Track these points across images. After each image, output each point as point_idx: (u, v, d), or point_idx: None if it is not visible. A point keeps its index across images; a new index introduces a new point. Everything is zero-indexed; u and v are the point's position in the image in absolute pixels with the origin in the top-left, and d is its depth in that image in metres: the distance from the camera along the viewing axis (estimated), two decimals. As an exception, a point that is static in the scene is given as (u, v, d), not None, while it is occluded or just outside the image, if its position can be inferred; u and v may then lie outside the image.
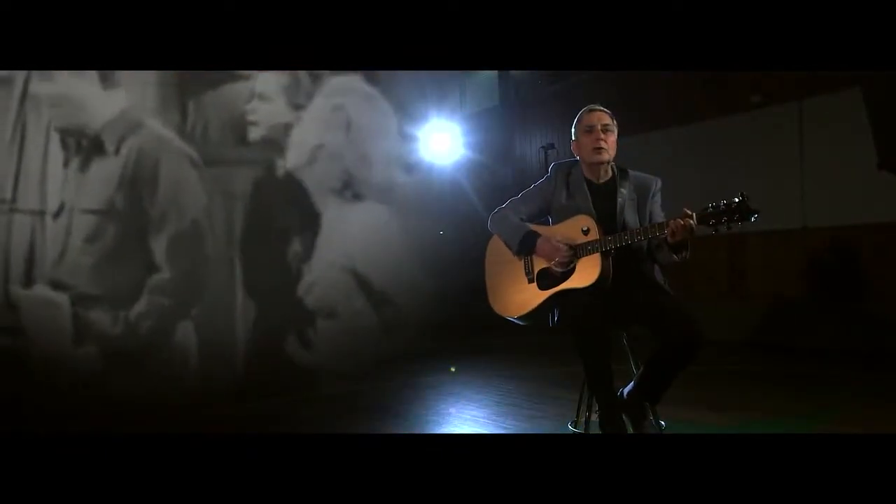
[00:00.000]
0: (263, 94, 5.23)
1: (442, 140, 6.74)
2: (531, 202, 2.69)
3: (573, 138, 2.64)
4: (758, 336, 5.80)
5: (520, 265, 2.62)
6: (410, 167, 6.22)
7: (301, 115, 5.49)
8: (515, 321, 2.65)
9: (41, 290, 4.43)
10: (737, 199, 2.22)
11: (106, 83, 4.60)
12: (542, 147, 7.68)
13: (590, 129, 2.55)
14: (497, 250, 2.72)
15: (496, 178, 8.02)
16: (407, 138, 6.17)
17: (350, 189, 5.77)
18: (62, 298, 4.47)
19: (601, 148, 2.53)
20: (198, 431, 3.39)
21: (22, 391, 3.96)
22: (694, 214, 2.28)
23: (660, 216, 2.58)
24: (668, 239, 2.32)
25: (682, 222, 2.27)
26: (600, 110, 2.58)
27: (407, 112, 6.18)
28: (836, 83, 5.16)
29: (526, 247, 2.57)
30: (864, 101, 3.90)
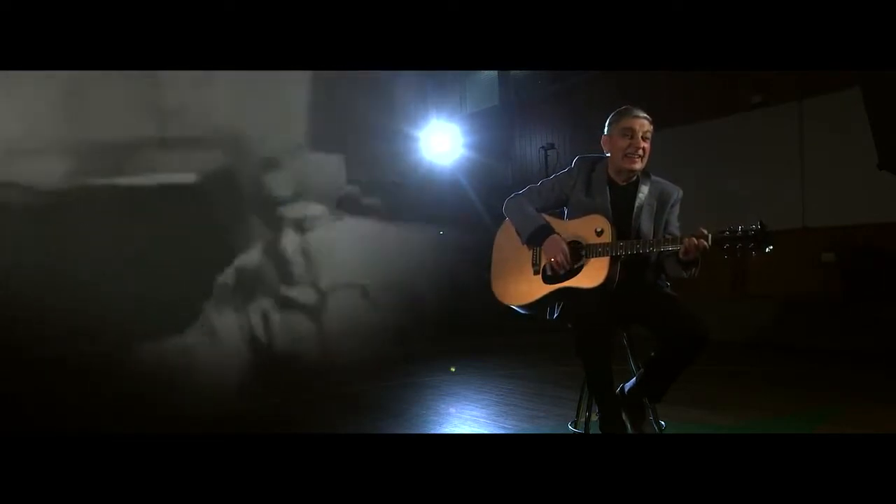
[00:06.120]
0: (259, 94, 5.22)
1: (442, 140, 6.73)
2: (549, 192, 2.63)
3: (605, 133, 2.56)
4: (758, 336, 5.79)
5: (528, 255, 2.60)
6: (410, 167, 6.22)
7: (299, 115, 5.49)
8: (514, 308, 2.63)
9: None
10: (754, 227, 2.18)
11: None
12: (542, 147, 7.70)
13: (630, 134, 2.48)
14: (508, 235, 2.68)
15: (496, 178, 8.01)
16: (407, 138, 6.16)
17: (350, 190, 5.77)
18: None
19: (638, 156, 2.48)
20: (198, 432, 3.39)
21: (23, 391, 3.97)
22: (710, 236, 2.25)
23: (675, 226, 2.55)
24: (680, 256, 2.29)
25: (696, 242, 2.24)
26: (644, 117, 2.51)
27: (407, 112, 6.17)
28: (836, 83, 5.16)
29: (536, 240, 2.54)
30: (864, 101, 3.88)
